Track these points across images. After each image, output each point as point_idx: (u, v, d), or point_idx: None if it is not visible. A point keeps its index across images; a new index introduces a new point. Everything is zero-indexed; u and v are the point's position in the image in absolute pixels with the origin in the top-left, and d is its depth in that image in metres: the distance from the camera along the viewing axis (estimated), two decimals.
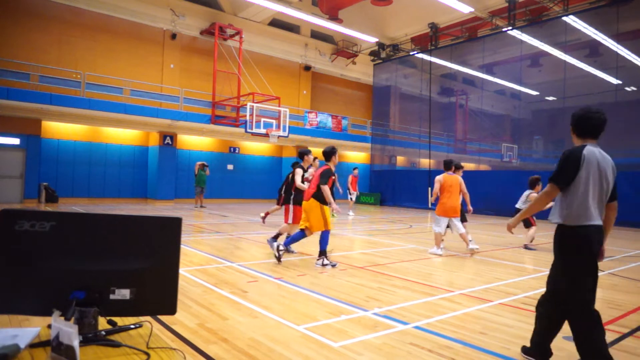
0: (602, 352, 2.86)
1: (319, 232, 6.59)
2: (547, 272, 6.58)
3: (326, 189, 6.42)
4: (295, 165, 8.02)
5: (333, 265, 6.48)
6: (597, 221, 2.94)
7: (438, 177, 8.36)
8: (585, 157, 2.94)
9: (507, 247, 9.43)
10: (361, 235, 10.84)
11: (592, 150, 2.99)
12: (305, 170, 7.95)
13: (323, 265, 6.46)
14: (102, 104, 16.54)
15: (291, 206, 7.77)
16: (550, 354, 3.16)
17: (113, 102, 16.86)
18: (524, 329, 3.90)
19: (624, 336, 3.78)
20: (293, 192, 7.80)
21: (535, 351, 3.18)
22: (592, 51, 20.42)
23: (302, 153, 7.92)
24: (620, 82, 17.78)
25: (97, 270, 1.70)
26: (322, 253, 6.54)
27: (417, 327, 3.85)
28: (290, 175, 8.09)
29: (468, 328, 3.87)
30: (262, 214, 11.93)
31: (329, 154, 6.71)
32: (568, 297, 2.99)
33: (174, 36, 19.68)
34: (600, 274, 6.71)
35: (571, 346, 3.48)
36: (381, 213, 18.28)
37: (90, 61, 17.87)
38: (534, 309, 4.55)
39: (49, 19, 17.04)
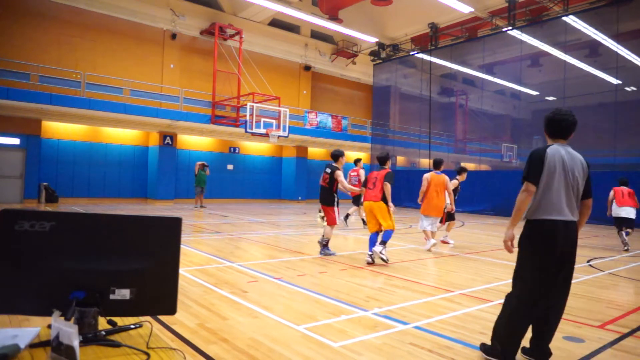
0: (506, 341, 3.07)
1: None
2: None
3: (389, 189, 6.97)
4: (332, 167, 7.81)
5: (384, 260, 6.92)
6: (566, 217, 3.04)
7: (426, 175, 8.47)
8: (548, 156, 3.09)
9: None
10: (361, 235, 10.84)
11: (557, 149, 3.13)
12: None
13: (381, 253, 6.86)
14: (102, 104, 16.54)
15: (336, 208, 7.82)
16: (549, 353, 3.15)
17: (113, 102, 16.86)
18: None
19: (624, 336, 3.78)
20: (335, 194, 7.77)
21: (534, 351, 3.19)
22: (592, 51, 20.42)
23: (338, 155, 7.95)
24: (620, 82, 17.78)
25: (97, 270, 1.70)
26: (384, 243, 6.94)
27: (417, 327, 3.85)
28: (327, 177, 7.78)
29: (468, 328, 3.87)
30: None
31: (385, 159, 7.36)
32: (515, 279, 3.15)
33: (174, 36, 19.68)
34: (600, 274, 6.73)
35: (571, 346, 3.49)
36: None
37: (91, 61, 17.87)
38: None
39: (49, 18, 17.04)
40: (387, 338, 3.57)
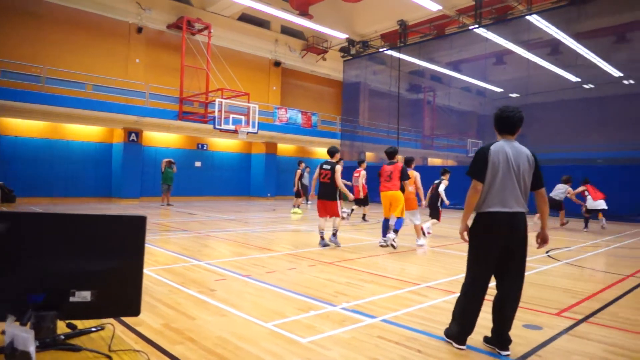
0: (456, 327, 3.33)
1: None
2: None
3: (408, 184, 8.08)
4: (331, 163, 8.20)
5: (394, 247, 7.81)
6: (510, 208, 3.23)
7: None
8: (491, 153, 3.28)
9: None
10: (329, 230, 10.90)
11: (501, 146, 3.32)
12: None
13: (393, 240, 7.76)
14: (63, 99, 15.94)
15: (339, 201, 8.25)
16: (508, 341, 3.27)
17: (75, 98, 16.27)
18: (487, 319, 4.02)
19: (578, 322, 3.97)
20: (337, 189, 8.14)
21: (495, 339, 3.34)
22: (553, 50, 21.15)
23: (334, 151, 8.38)
24: (579, 79, 18.52)
25: (56, 272, 1.66)
26: (396, 232, 7.84)
27: (384, 321, 3.93)
28: (328, 173, 8.13)
29: (434, 320, 3.98)
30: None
31: (393, 153, 8.12)
32: (467, 268, 3.38)
33: (139, 30, 19.15)
34: (557, 264, 7.02)
35: (530, 333, 3.64)
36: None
37: (52, 55, 17.18)
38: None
39: (7, 10, 16.26)
40: (355, 332, 3.63)
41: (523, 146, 3.40)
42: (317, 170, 8.41)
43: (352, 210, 13.02)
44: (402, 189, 7.95)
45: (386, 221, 8.14)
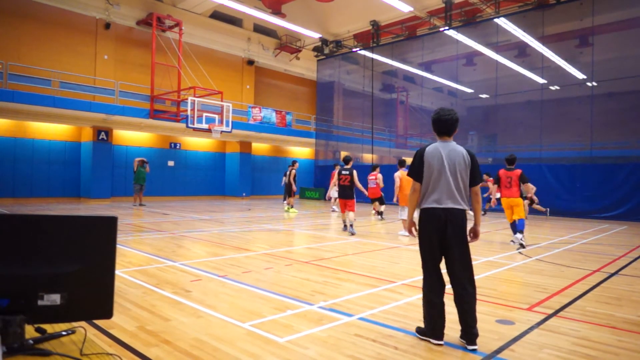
0: (431, 320, 3.41)
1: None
2: (482, 261, 6.97)
3: (529, 187, 9.19)
4: (349, 169, 10.26)
5: (523, 246, 8.30)
6: (445, 204, 3.44)
7: (397, 174, 10.49)
8: (426, 154, 3.53)
9: None
10: (306, 230, 10.90)
11: (435, 147, 3.56)
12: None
13: (520, 239, 8.27)
14: (27, 96, 15.34)
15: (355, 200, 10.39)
16: (475, 334, 3.33)
17: (40, 95, 15.69)
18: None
19: (549, 317, 4.09)
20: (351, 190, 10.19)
21: (463, 335, 3.41)
22: (520, 52, 21.77)
23: (349, 159, 10.48)
24: (545, 81, 19.11)
25: (22, 275, 1.59)
26: (521, 232, 8.37)
27: (361, 319, 3.94)
28: (348, 177, 10.18)
29: (410, 317, 4.02)
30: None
31: (513, 160, 8.81)
32: (422, 267, 3.56)
33: (107, 26, 18.63)
34: (528, 260, 7.23)
35: (502, 328, 3.72)
36: (326, 208, 18.46)
37: (14, 50, 16.51)
38: None
39: None
40: (333, 330, 3.63)
41: (460, 146, 3.58)
42: (337, 175, 10.52)
43: (382, 211, 14.14)
44: (522, 194, 8.72)
45: (512, 224, 8.63)
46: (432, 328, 3.39)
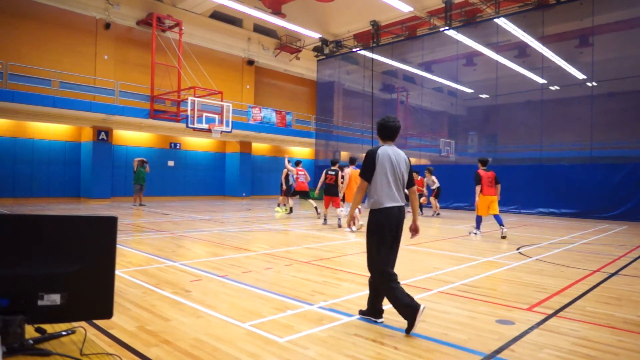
0: (401, 301, 3.61)
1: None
2: (482, 261, 6.98)
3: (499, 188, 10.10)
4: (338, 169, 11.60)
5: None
6: (398, 203, 3.79)
7: (347, 171, 10.78)
8: (378, 156, 3.79)
9: (447, 237, 9.88)
10: (306, 230, 10.90)
11: (385, 149, 3.85)
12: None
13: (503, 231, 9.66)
14: (27, 96, 15.34)
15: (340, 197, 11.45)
16: (381, 312, 3.86)
17: (40, 95, 15.69)
18: (461, 315, 4.10)
19: (549, 317, 4.09)
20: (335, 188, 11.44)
21: (371, 312, 3.89)
22: (520, 52, 21.76)
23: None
24: (545, 81, 19.11)
25: (22, 275, 1.59)
26: (502, 224, 9.87)
27: (361, 319, 3.94)
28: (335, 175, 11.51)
29: None
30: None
31: (487, 161, 10.27)
32: (370, 265, 3.82)
33: (107, 26, 18.63)
34: (528, 260, 7.22)
35: (502, 328, 3.72)
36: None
37: (14, 50, 16.51)
38: (470, 296, 4.83)
39: None
40: (333, 331, 3.63)
41: (401, 150, 3.96)
42: (324, 175, 11.72)
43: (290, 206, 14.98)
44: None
45: (478, 219, 10.24)
46: (411, 312, 3.56)
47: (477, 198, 10.03)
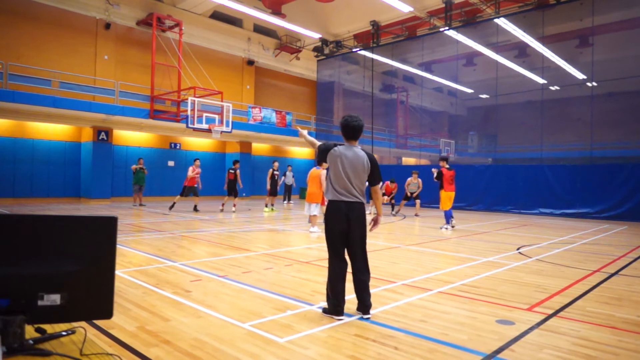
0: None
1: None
2: (482, 261, 6.97)
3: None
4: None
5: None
6: (347, 198, 3.98)
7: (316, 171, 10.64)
8: (331, 153, 4.06)
9: (447, 237, 9.88)
10: (306, 230, 10.90)
11: (342, 150, 4.06)
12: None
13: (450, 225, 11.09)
14: (27, 96, 15.33)
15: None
16: (369, 306, 4.01)
17: (40, 95, 15.68)
18: (461, 315, 4.10)
19: (549, 317, 4.08)
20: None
21: (360, 307, 4.06)
22: (520, 52, 21.77)
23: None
24: (545, 81, 19.11)
25: (22, 275, 1.59)
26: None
27: (360, 319, 3.94)
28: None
29: (409, 317, 4.01)
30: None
31: (445, 159, 11.56)
32: (328, 253, 4.07)
33: (107, 26, 18.63)
34: (528, 260, 7.22)
35: (502, 328, 3.72)
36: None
37: (14, 50, 16.50)
38: (470, 296, 4.82)
39: None
40: (333, 331, 3.63)
41: (363, 151, 4.09)
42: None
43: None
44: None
45: (449, 212, 11.26)
46: (336, 307, 3.92)
47: (441, 194, 11.25)
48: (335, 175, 4.01)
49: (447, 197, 11.10)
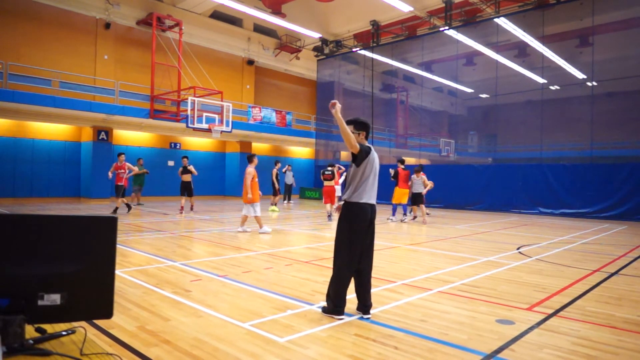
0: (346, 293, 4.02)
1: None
2: (482, 261, 6.98)
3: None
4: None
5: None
6: (373, 201, 4.09)
7: (249, 170, 10.82)
8: (372, 154, 4.12)
9: (447, 237, 9.88)
10: (306, 230, 10.90)
11: (374, 151, 4.20)
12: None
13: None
14: (28, 96, 15.33)
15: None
16: (369, 306, 4.03)
17: (40, 95, 15.67)
18: (461, 314, 4.10)
19: (549, 316, 4.09)
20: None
21: (360, 307, 4.10)
22: (520, 52, 21.76)
23: (333, 163, 13.77)
24: (545, 81, 19.10)
25: (23, 275, 1.59)
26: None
27: (361, 318, 3.94)
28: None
29: (409, 317, 4.02)
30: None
31: (403, 161, 13.46)
32: (337, 251, 4.07)
33: (107, 25, 18.62)
34: (528, 260, 7.22)
35: (502, 328, 3.72)
36: (325, 208, 18.41)
37: (13, 50, 16.49)
38: (470, 295, 4.82)
39: None
40: (333, 330, 3.63)
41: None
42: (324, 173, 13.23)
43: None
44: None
45: (395, 207, 13.31)
46: (338, 306, 3.92)
47: (396, 190, 12.92)
48: (367, 178, 4.02)
49: (402, 193, 12.98)
